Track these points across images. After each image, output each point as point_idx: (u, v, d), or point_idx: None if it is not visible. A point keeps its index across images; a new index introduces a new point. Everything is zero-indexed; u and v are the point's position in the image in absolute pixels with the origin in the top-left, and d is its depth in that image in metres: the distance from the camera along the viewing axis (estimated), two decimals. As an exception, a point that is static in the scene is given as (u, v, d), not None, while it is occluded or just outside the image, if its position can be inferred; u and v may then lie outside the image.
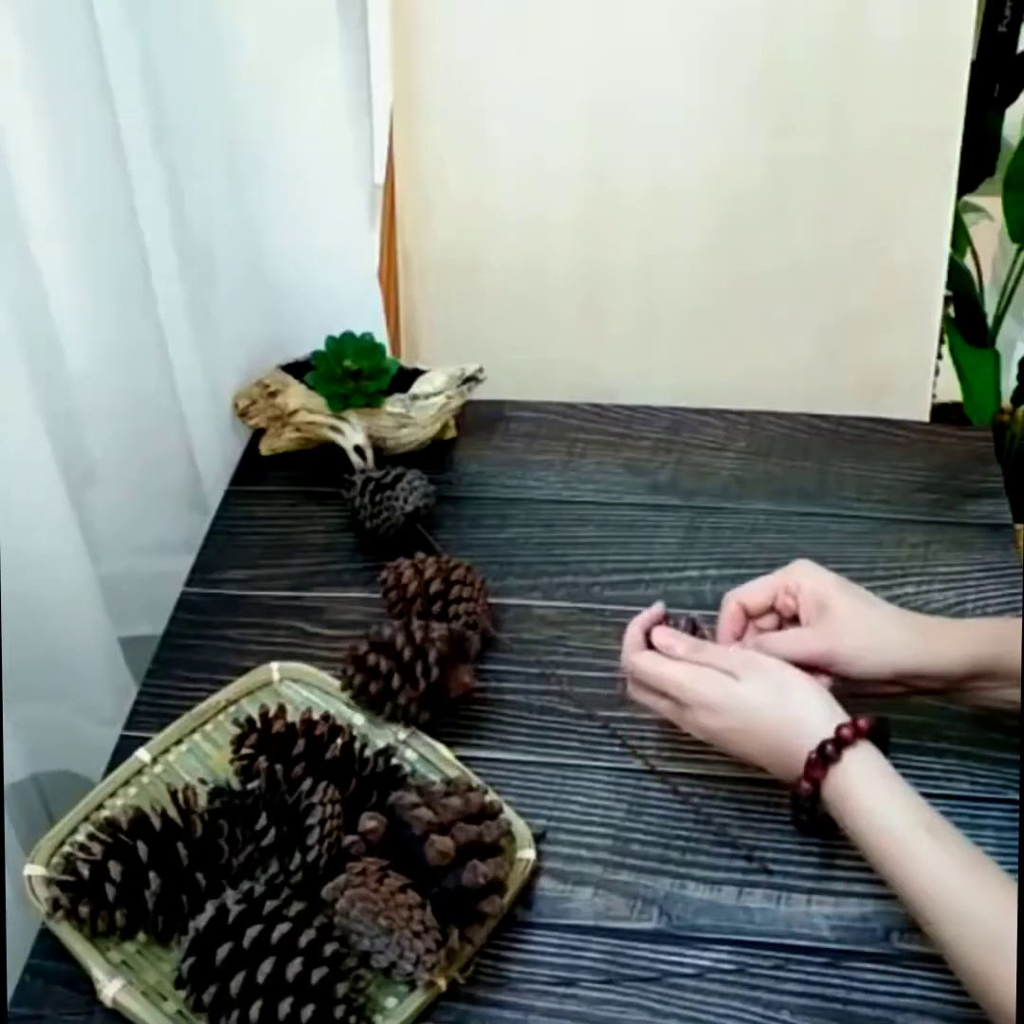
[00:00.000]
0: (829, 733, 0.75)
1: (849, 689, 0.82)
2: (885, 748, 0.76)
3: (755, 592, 0.87)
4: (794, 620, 0.86)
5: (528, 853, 0.81)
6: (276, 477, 1.17)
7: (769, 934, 0.79)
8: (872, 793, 0.73)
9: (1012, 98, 1.60)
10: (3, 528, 0.90)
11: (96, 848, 0.77)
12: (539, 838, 0.84)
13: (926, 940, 0.78)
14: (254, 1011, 0.70)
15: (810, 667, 0.81)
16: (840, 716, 0.76)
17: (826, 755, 0.74)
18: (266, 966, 0.70)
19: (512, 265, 1.32)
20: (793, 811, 0.78)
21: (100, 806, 0.84)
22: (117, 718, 0.94)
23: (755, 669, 0.80)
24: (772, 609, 0.87)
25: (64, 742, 1.03)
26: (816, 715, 0.76)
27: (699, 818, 0.85)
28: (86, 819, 0.83)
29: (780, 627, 0.87)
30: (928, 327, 1.32)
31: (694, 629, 0.86)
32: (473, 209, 1.30)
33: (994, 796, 0.85)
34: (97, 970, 0.75)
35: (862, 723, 0.75)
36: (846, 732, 0.75)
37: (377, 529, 1.05)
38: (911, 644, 0.82)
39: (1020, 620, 0.79)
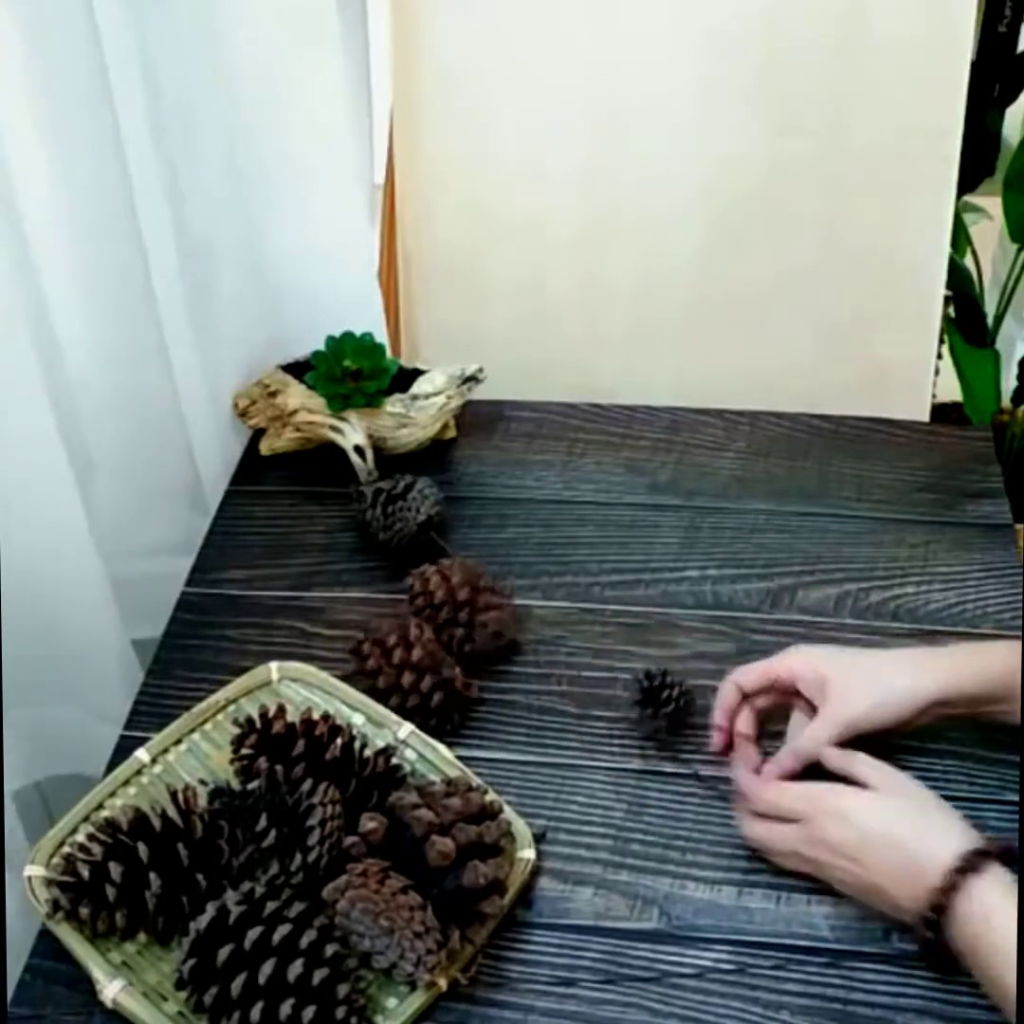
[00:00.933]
0: (966, 848, 0.73)
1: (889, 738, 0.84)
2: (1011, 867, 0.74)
3: (751, 675, 0.88)
4: (796, 693, 0.87)
5: (528, 853, 0.81)
6: (276, 477, 1.17)
7: (769, 934, 0.79)
8: (1001, 920, 0.70)
9: (1012, 98, 1.60)
10: (9, 528, 0.90)
11: (96, 849, 0.77)
12: (539, 838, 0.84)
13: (926, 940, 0.78)
14: (255, 1012, 0.70)
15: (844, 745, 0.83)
16: (970, 832, 0.75)
17: (965, 868, 0.71)
18: (267, 967, 0.70)
19: (512, 265, 1.32)
20: (914, 934, 0.75)
21: (100, 806, 0.84)
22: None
23: (897, 782, 0.79)
24: (771, 690, 0.88)
25: (75, 745, 1.03)
26: (955, 831, 0.74)
27: (699, 818, 0.86)
28: (86, 819, 0.83)
29: (775, 704, 0.89)
30: (928, 327, 1.32)
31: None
32: (473, 209, 1.30)
33: (993, 797, 0.85)
34: (97, 971, 0.75)
35: (993, 846, 0.73)
36: (988, 848, 0.73)
37: (390, 540, 1.04)
38: (918, 678, 0.82)
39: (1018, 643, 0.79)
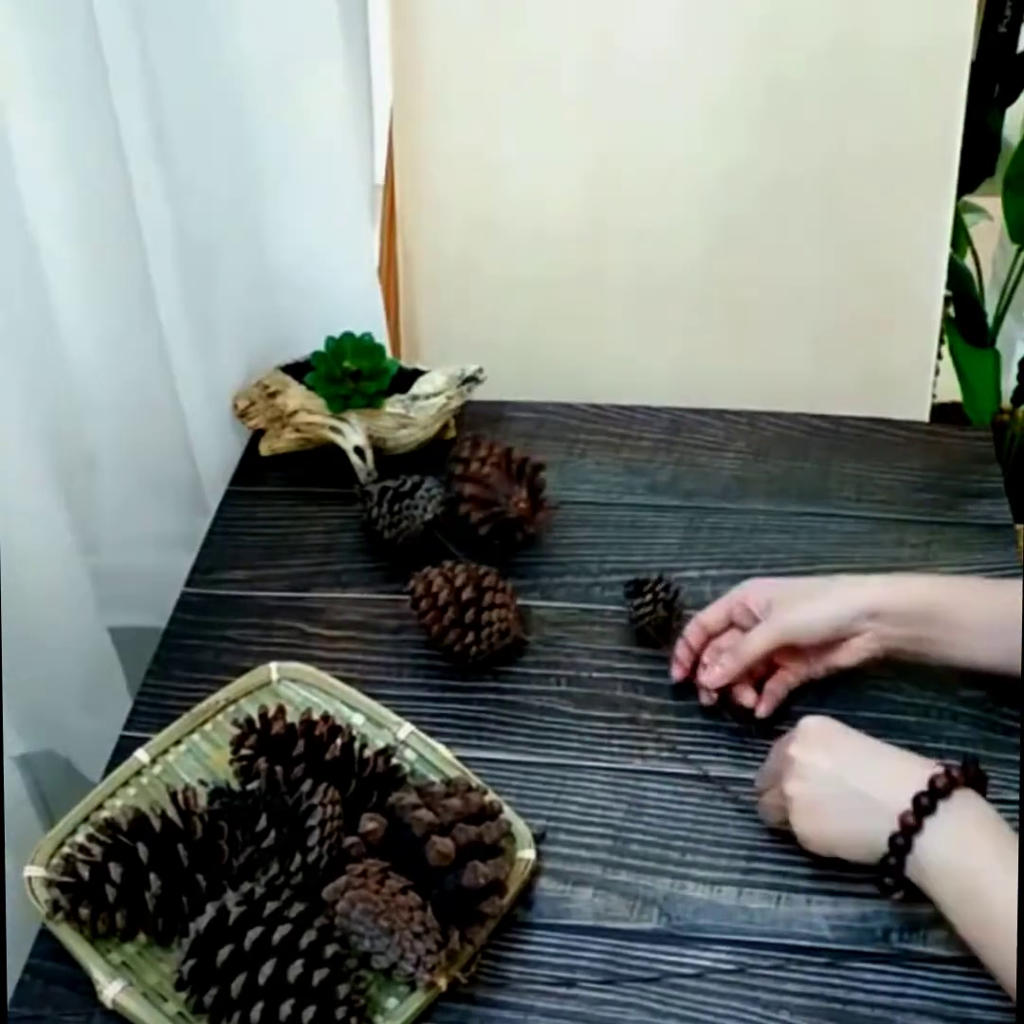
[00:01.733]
0: (923, 783, 0.73)
1: (826, 666, 0.90)
2: (982, 789, 0.75)
3: (711, 611, 0.94)
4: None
5: (528, 853, 0.81)
6: (276, 477, 1.17)
7: (769, 934, 0.79)
8: (977, 851, 0.72)
9: (1012, 98, 1.60)
10: (13, 528, 0.90)
11: (96, 849, 0.77)
12: (539, 838, 0.84)
13: (926, 940, 0.78)
14: (255, 1013, 0.70)
15: (780, 659, 0.91)
16: (933, 766, 0.74)
17: (922, 808, 0.72)
18: (267, 968, 0.70)
19: (512, 265, 1.32)
20: (878, 874, 0.75)
21: (100, 807, 0.84)
22: (102, 706, 0.94)
23: (841, 733, 0.80)
24: (730, 625, 0.94)
25: (51, 725, 1.03)
26: (911, 768, 0.75)
27: (698, 818, 0.86)
28: (85, 820, 0.83)
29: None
30: (928, 327, 1.32)
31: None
32: (473, 209, 1.30)
33: (993, 797, 0.85)
34: (97, 971, 0.75)
35: (956, 773, 0.73)
36: (942, 780, 0.72)
37: (396, 539, 1.04)
38: (850, 587, 0.89)
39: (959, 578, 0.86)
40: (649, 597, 0.97)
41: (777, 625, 0.89)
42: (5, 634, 0.92)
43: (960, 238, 1.57)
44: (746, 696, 0.91)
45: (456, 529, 1.05)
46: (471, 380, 1.16)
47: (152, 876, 0.76)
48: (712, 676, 0.91)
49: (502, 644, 0.95)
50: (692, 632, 0.93)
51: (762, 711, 0.91)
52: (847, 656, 0.89)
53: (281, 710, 0.85)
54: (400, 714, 0.90)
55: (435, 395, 1.14)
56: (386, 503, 1.04)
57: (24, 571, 0.94)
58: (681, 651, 0.94)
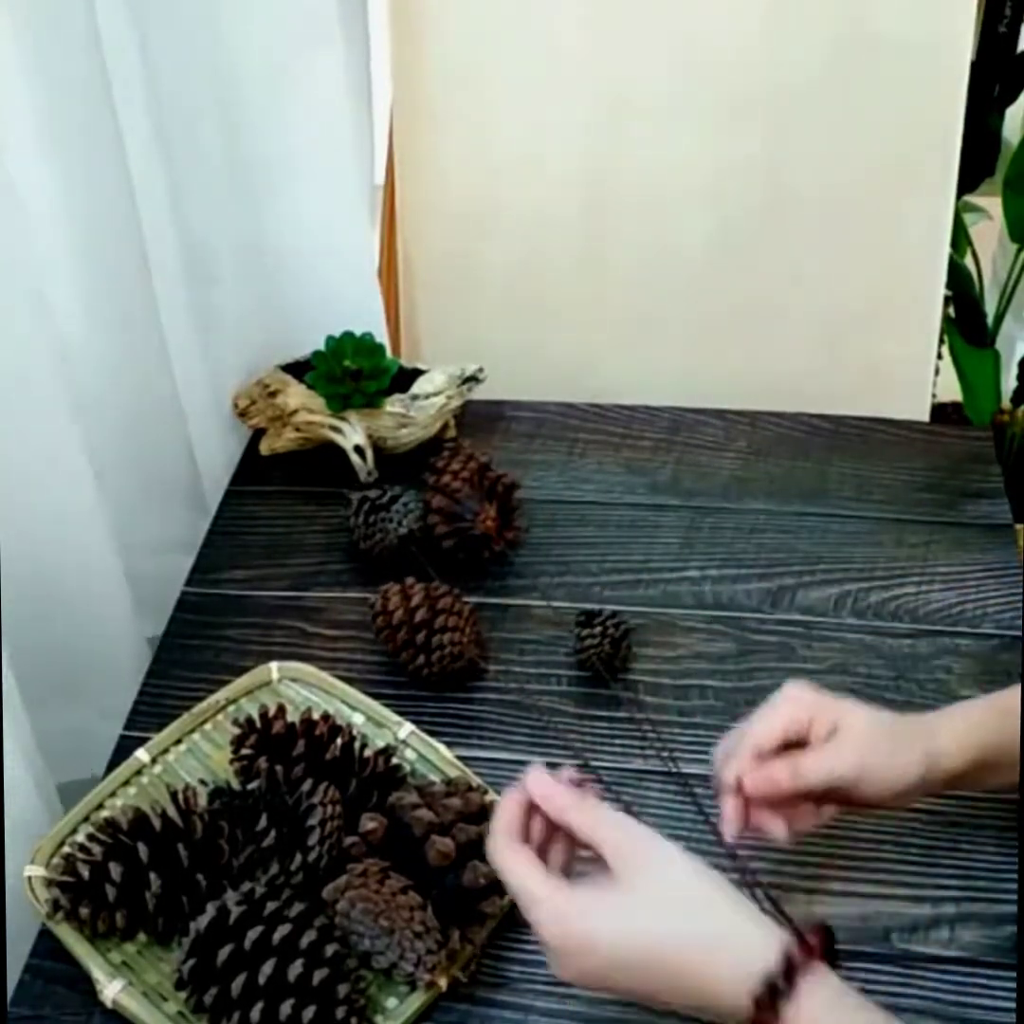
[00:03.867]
0: (770, 960, 0.59)
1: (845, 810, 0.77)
2: (834, 960, 0.62)
3: (766, 730, 0.75)
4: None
5: (528, 853, 0.81)
6: (276, 477, 1.17)
7: (769, 934, 0.79)
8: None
9: (1012, 98, 1.60)
10: (17, 526, 0.90)
11: (96, 849, 0.77)
12: (539, 838, 0.83)
13: (926, 940, 0.78)
14: (255, 1012, 0.70)
15: (822, 796, 0.74)
16: (774, 934, 0.61)
17: (777, 991, 0.58)
18: (267, 967, 0.70)
19: (512, 265, 1.32)
20: None
21: (100, 806, 0.84)
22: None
23: (637, 865, 0.64)
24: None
25: (93, 748, 1.03)
26: (745, 933, 0.61)
27: (698, 818, 0.85)
28: (86, 819, 0.83)
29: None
30: (928, 327, 1.32)
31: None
32: (473, 209, 1.30)
33: (994, 796, 0.85)
34: (97, 971, 0.75)
35: (812, 940, 0.60)
36: (797, 956, 0.59)
37: (371, 550, 1.04)
38: (921, 761, 0.74)
39: (1017, 691, 0.74)
40: (598, 629, 0.95)
41: (850, 766, 0.73)
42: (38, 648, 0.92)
43: (960, 238, 1.57)
44: (775, 826, 0.74)
45: (437, 542, 1.04)
46: (471, 380, 1.16)
47: (152, 876, 0.76)
48: (759, 782, 0.72)
49: (455, 666, 0.94)
50: (743, 761, 0.73)
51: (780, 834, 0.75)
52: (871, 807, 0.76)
53: (281, 710, 0.85)
54: (400, 714, 0.90)
55: (435, 395, 1.14)
56: (362, 514, 1.04)
57: (59, 582, 0.95)
58: (729, 808, 0.74)
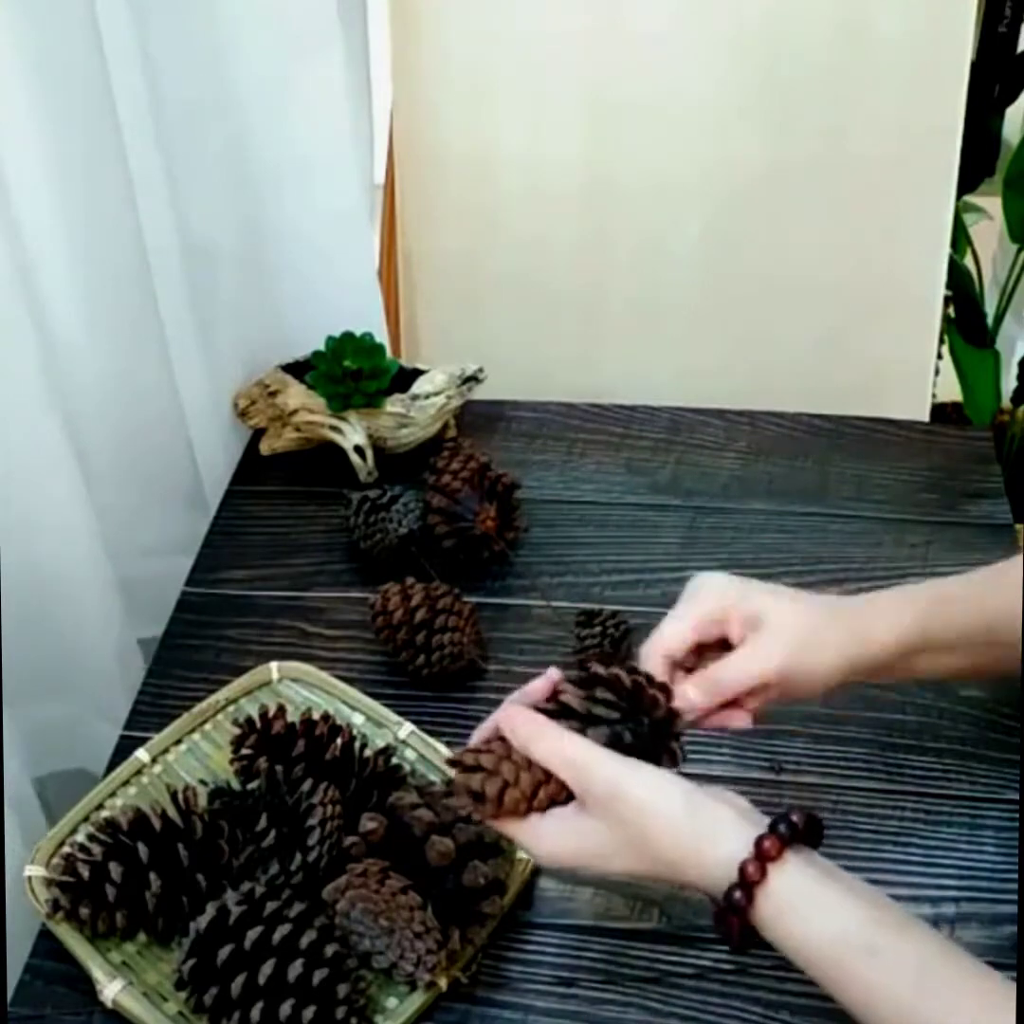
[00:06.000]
0: (732, 874, 0.62)
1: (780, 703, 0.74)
2: (817, 841, 0.65)
3: (673, 633, 0.73)
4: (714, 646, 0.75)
5: (528, 853, 0.81)
6: (276, 477, 1.17)
7: (769, 934, 0.79)
8: (799, 928, 0.61)
9: (1012, 98, 1.60)
10: (11, 528, 0.90)
11: (96, 849, 0.77)
12: (539, 838, 0.83)
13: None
14: (255, 1012, 0.70)
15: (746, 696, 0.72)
16: (748, 826, 0.63)
17: (736, 904, 0.61)
18: (267, 967, 0.70)
19: (512, 265, 1.32)
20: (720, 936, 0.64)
21: (100, 806, 0.84)
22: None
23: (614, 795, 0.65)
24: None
25: (79, 742, 1.03)
26: (718, 831, 0.63)
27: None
28: (86, 819, 0.83)
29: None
30: (928, 327, 1.32)
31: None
32: (473, 209, 1.30)
33: (994, 796, 0.85)
34: (97, 971, 0.75)
35: (768, 846, 0.62)
36: (753, 872, 0.61)
37: (370, 550, 1.04)
38: (849, 644, 0.72)
39: (956, 582, 0.76)
40: (598, 629, 0.95)
41: (769, 666, 0.71)
42: (31, 644, 0.92)
43: (960, 238, 1.57)
44: (738, 718, 0.73)
45: (437, 542, 1.04)
46: (471, 380, 1.16)
47: (152, 876, 0.76)
48: (682, 701, 0.71)
49: (455, 667, 0.94)
50: (653, 664, 0.72)
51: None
52: (811, 695, 0.74)
53: (281, 710, 0.85)
54: (400, 714, 0.90)
55: (435, 394, 1.14)
56: (362, 514, 1.04)
57: (54, 585, 0.95)
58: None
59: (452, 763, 0.69)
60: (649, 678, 0.69)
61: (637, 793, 0.64)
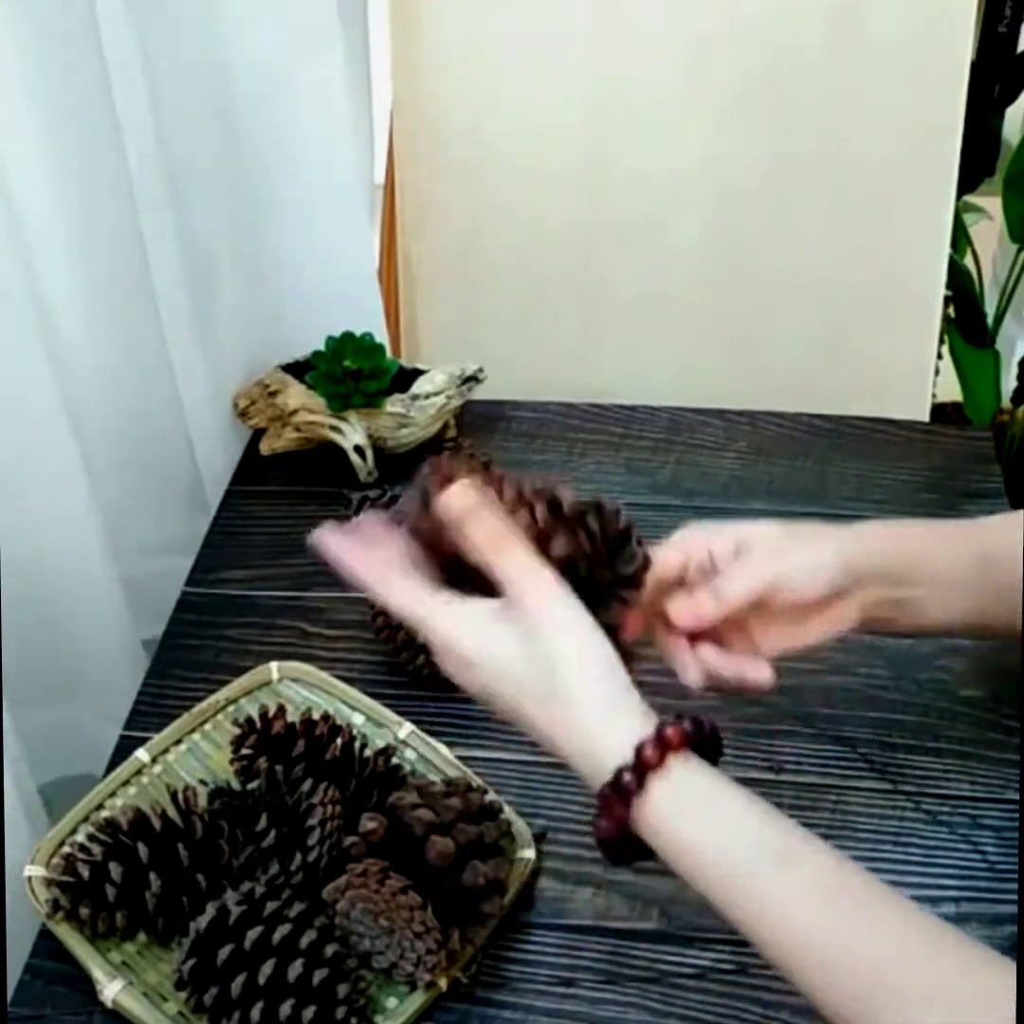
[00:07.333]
0: (627, 753, 0.58)
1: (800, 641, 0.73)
2: (714, 754, 0.61)
3: (665, 565, 0.73)
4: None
5: (528, 853, 0.81)
6: (276, 477, 1.17)
7: (769, 934, 0.79)
8: (692, 826, 0.58)
9: (1012, 98, 1.60)
10: (14, 529, 0.90)
11: (96, 849, 0.77)
12: (539, 838, 0.83)
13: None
14: (255, 1012, 0.70)
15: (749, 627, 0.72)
16: (636, 728, 0.59)
17: (624, 787, 0.58)
18: (267, 967, 0.70)
19: (512, 265, 1.32)
20: (597, 845, 0.61)
21: (100, 806, 0.84)
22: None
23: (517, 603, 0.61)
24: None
25: (85, 748, 1.03)
26: (605, 727, 0.60)
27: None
28: (86, 819, 0.83)
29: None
30: (928, 327, 1.32)
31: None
32: (473, 209, 1.30)
33: (994, 796, 0.85)
34: (97, 971, 0.75)
35: (671, 733, 0.58)
36: (650, 755, 0.57)
37: None
38: (841, 535, 0.73)
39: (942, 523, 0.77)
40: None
41: (766, 570, 0.70)
42: (36, 648, 0.92)
43: (960, 238, 1.58)
44: (755, 670, 0.71)
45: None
46: (471, 380, 1.16)
47: (152, 876, 0.76)
48: (683, 616, 0.70)
49: None
50: (648, 597, 0.72)
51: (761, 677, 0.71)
52: (823, 627, 0.72)
53: (281, 710, 0.85)
54: (400, 714, 0.90)
55: (435, 394, 1.14)
56: (363, 514, 1.04)
57: (59, 583, 0.95)
58: (683, 654, 0.73)
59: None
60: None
61: (571, 628, 0.61)
